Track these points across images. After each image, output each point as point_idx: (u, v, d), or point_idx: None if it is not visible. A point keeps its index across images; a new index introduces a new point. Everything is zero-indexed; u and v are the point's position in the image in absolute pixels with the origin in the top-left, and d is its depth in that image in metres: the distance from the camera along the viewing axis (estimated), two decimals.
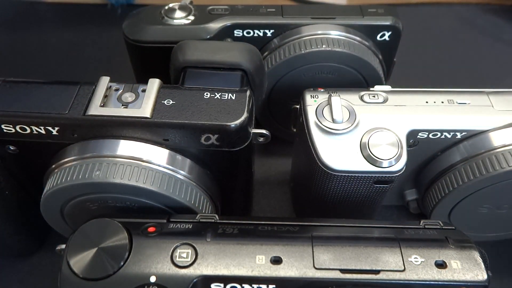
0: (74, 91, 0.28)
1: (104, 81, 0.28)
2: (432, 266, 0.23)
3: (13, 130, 0.27)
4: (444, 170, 0.32)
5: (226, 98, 0.28)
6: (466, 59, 0.55)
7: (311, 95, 0.31)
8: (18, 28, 0.58)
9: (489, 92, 0.31)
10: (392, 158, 0.28)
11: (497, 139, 0.30)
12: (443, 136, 0.30)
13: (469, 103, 0.30)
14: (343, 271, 0.23)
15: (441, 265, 0.23)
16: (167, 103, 0.27)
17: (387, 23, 0.36)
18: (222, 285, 0.23)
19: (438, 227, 0.26)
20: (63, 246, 0.24)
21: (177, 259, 0.23)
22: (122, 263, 0.23)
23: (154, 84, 0.28)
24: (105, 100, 0.27)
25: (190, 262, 0.23)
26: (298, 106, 0.32)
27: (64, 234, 0.32)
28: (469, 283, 0.23)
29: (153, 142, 0.27)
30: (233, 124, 0.26)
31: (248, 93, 0.28)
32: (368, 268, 0.23)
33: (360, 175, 0.28)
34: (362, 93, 0.31)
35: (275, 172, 0.43)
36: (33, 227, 0.35)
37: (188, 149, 0.28)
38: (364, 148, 0.28)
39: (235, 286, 0.23)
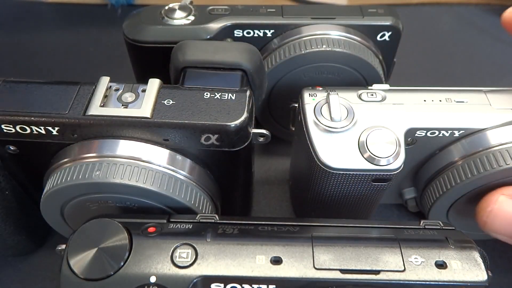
0: (74, 91, 0.28)
1: (104, 81, 0.28)
2: (432, 266, 0.23)
3: (13, 130, 0.27)
4: (442, 168, 0.32)
5: (226, 98, 0.28)
6: (466, 59, 0.55)
7: (309, 94, 0.31)
8: (18, 28, 0.58)
9: (487, 90, 0.31)
10: (390, 156, 0.28)
11: (494, 138, 0.30)
12: (441, 135, 0.30)
13: (467, 102, 0.31)
14: (343, 271, 0.23)
15: (441, 265, 0.23)
16: (167, 103, 0.27)
17: (387, 23, 0.36)
18: (222, 285, 0.23)
19: (438, 227, 0.26)
20: (63, 246, 0.24)
21: (177, 259, 0.23)
22: (122, 263, 0.23)
23: (154, 84, 0.28)
24: (105, 100, 0.27)
25: (190, 262, 0.23)
26: (296, 105, 0.32)
27: (64, 234, 0.32)
28: (469, 283, 0.23)
29: (153, 142, 0.27)
30: (233, 124, 0.26)
31: (248, 93, 0.28)
32: (368, 268, 0.23)
33: (358, 173, 0.28)
34: (360, 91, 0.31)
35: (275, 172, 0.43)
36: (33, 227, 0.35)
37: (188, 149, 0.28)
38: (362, 146, 0.28)
39: (235, 286, 0.23)
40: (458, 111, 0.30)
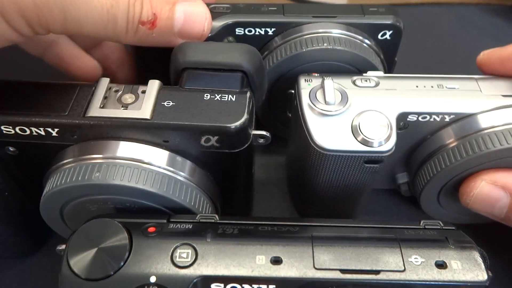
0: (73, 92, 0.28)
1: (104, 82, 0.28)
2: (432, 266, 0.23)
3: (13, 132, 0.27)
4: (433, 152, 0.33)
5: (226, 99, 0.27)
6: (466, 59, 0.55)
7: (305, 79, 0.32)
8: None
9: (478, 78, 0.32)
10: (382, 139, 0.29)
11: (484, 121, 0.30)
12: (432, 119, 0.31)
13: (458, 88, 0.31)
14: (343, 271, 0.23)
15: (441, 265, 0.23)
16: (167, 104, 0.27)
17: (388, 22, 0.36)
18: (222, 285, 0.23)
19: (438, 227, 0.26)
20: (63, 246, 0.24)
21: (177, 259, 0.23)
22: (122, 263, 0.23)
23: (154, 85, 0.28)
24: (104, 102, 0.27)
25: (190, 262, 0.23)
26: (293, 91, 0.33)
27: (64, 236, 0.32)
28: (469, 283, 0.23)
29: (153, 144, 0.27)
30: (233, 125, 0.26)
31: (248, 94, 0.28)
32: (368, 268, 0.23)
33: (351, 154, 0.29)
34: (355, 77, 0.32)
35: (275, 172, 0.43)
36: (33, 228, 0.35)
37: (188, 150, 0.28)
38: (355, 129, 0.29)
39: (235, 286, 0.23)
40: (449, 97, 0.31)
